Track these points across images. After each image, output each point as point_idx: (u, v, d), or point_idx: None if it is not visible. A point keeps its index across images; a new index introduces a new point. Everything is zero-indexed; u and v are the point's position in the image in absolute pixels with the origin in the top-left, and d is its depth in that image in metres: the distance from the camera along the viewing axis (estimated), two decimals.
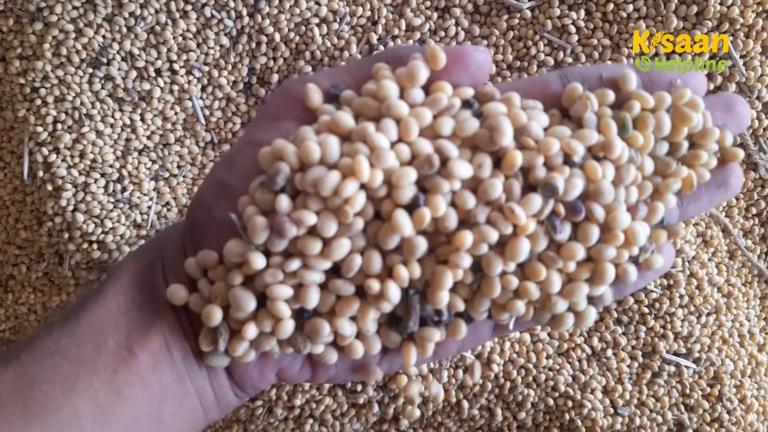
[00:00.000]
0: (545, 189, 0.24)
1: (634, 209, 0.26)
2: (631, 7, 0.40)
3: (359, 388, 0.44)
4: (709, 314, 0.44)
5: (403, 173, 0.24)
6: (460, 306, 0.26)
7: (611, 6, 0.40)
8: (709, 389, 0.44)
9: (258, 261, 0.24)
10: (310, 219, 0.24)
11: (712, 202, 0.28)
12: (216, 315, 0.26)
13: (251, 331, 0.25)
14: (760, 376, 0.46)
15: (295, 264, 0.25)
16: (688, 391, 0.43)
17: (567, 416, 0.42)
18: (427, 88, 0.26)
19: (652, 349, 0.44)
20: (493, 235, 0.24)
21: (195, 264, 0.27)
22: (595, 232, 0.25)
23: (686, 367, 0.43)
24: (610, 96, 0.26)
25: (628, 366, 0.44)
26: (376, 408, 0.44)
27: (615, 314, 0.44)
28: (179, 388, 0.27)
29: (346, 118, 0.25)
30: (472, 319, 0.27)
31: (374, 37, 0.42)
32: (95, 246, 0.42)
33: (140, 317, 0.27)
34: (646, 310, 0.44)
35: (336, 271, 0.25)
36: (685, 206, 0.28)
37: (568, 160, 0.25)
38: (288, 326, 0.26)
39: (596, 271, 0.26)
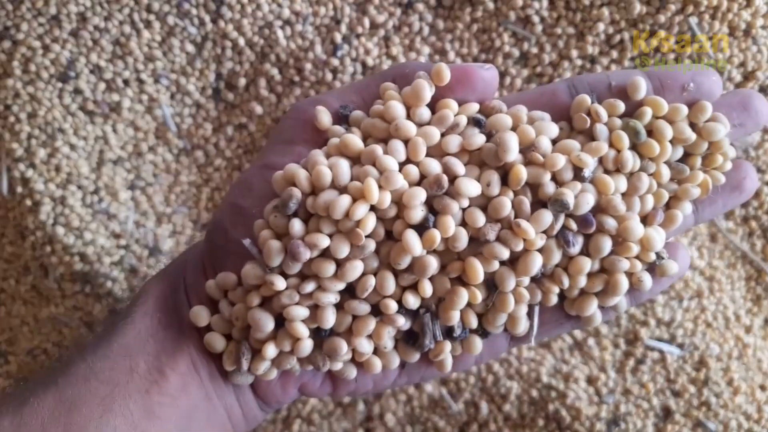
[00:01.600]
0: (555, 205, 0.25)
1: (652, 216, 0.26)
2: None
3: None
4: (690, 299, 0.44)
5: (412, 194, 0.24)
6: (473, 322, 0.27)
7: None
8: (695, 373, 0.43)
9: (278, 283, 0.25)
10: (323, 242, 0.25)
11: (726, 206, 0.28)
12: (218, 343, 0.27)
13: (271, 350, 0.27)
14: (748, 357, 0.45)
15: (310, 286, 0.25)
16: (673, 376, 0.43)
17: (551, 406, 0.42)
18: (433, 105, 0.26)
19: (634, 336, 0.43)
20: (504, 253, 0.25)
21: (215, 286, 0.28)
22: (607, 244, 0.25)
23: (670, 352, 0.43)
24: (620, 107, 0.26)
25: (611, 354, 0.43)
26: (361, 406, 0.44)
27: None
28: (208, 406, 0.28)
29: (354, 140, 0.26)
30: (488, 333, 0.28)
31: (338, 37, 0.42)
32: (77, 258, 0.43)
33: (167, 338, 0.28)
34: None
35: (350, 290, 0.26)
36: (700, 212, 0.28)
37: (578, 174, 0.25)
38: (306, 345, 0.26)
39: (609, 282, 0.26)
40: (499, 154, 0.25)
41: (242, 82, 0.43)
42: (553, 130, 0.26)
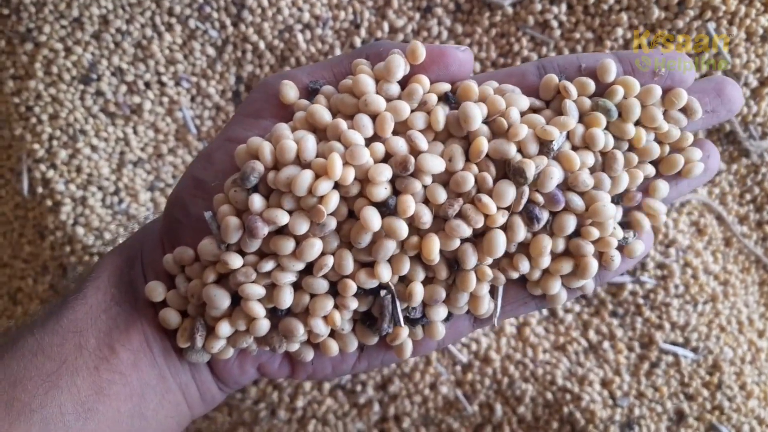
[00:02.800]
0: (516, 175, 0.24)
1: (630, 197, 0.26)
2: None
3: (359, 388, 0.44)
4: (705, 303, 0.44)
5: (378, 170, 0.24)
6: (440, 308, 0.26)
7: None
8: (708, 377, 0.44)
9: (234, 260, 0.25)
10: (282, 219, 0.24)
11: (691, 185, 0.28)
12: (172, 319, 0.26)
13: (225, 328, 0.26)
14: (761, 362, 0.45)
15: (268, 265, 0.25)
16: (687, 380, 0.43)
17: (566, 409, 0.42)
18: (404, 85, 0.26)
19: (648, 339, 0.44)
20: (465, 230, 0.24)
21: (172, 260, 0.27)
22: (570, 223, 0.25)
23: (684, 356, 0.43)
24: (590, 86, 0.25)
25: (626, 357, 0.44)
26: (377, 407, 0.44)
27: (610, 306, 0.44)
28: (161, 384, 0.27)
29: (321, 111, 0.25)
30: (450, 315, 0.27)
31: (358, 41, 0.42)
32: (96, 258, 0.43)
33: (120, 314, 0.27)
34: (641, 301, 0.44)
35: (309, 269, 0.25)
36: None
37: (543, 149, 0.25)
38: (262, 325, 0.26)
39: (580, 265, 0.26)
40: (461, 122, 0.24)
41: None
42: (523, 102, 0.25)
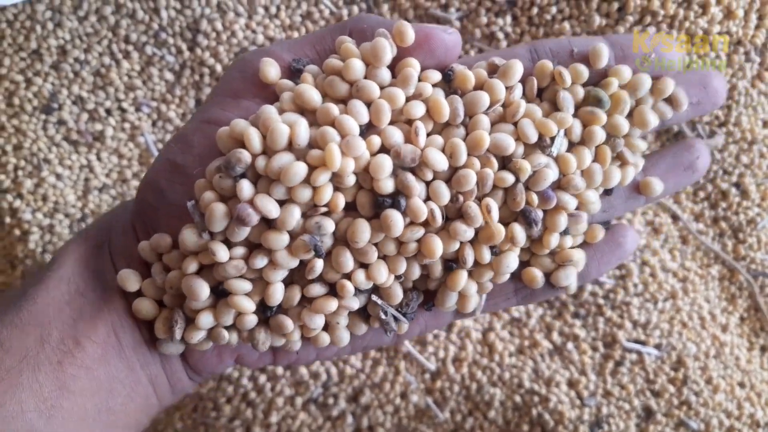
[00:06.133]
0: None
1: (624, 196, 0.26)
2: (554, 9, 0.41)
3: (331, 401, 0.45)
4: (665, 300, 0.45)
5: (381, 165, 0.22)
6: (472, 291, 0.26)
7: (535, 10, 0.41)
8: (673, 373, 0.44)
9: (222, 253, 0.23)
10: (274, 212, 0.22)
11: (678, 186, 0.28)
12: (148, 310, 0.25)
13: (206, 319, 0.25)
14: (725, 355, 0.46)
15: (262, 261, 0.23)
16: (652, 376, 0.44)
17: (534, 411, 0.43)
18: (392, 66, 0.24)
19: (611, 338, 0.44)
20: (469, 233, 0.24)
21: (149, 248, 0.25)
22: (563, 221, 0.25)
23: (647, 353, 0.44)
24: (585, 74, 0.25)
25: (590, 357, 0.44)
26: (350, 419, 0.45)
27: (572, 308, 0.45)
28: (130, 377, 0.26)
29: (311, 92, 0.23)
30: (433, 305, 0.27)
31: None
32: None
33: (85, 305, 0.25)
34: (602, 302, 0.44)
35: (302, 263, 0.24)
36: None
37: (542, 143, 0.24)
38: (251, 320, 0.25)
39: (569, 260, 0.26)
40: (469, 112, 0.24)
41: None
42: (519, 88, 0.25)
